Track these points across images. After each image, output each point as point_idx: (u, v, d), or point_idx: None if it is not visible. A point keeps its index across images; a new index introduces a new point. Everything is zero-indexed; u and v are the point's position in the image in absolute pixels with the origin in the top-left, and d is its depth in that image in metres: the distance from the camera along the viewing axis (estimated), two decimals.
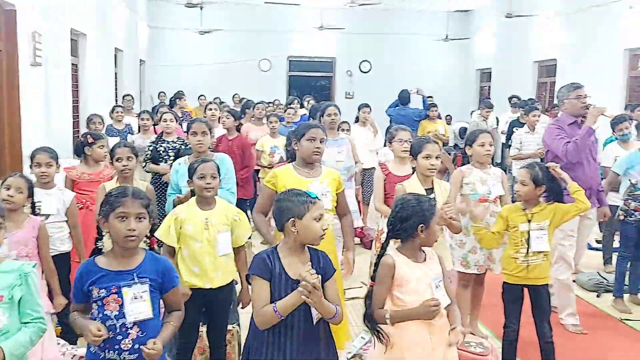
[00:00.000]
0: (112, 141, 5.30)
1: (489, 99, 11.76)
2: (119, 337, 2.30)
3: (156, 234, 3.30)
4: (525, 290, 3.69)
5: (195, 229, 3.23)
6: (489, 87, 16.02)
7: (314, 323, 2.49)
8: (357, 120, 8.06)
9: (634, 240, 4.98)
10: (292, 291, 2.39)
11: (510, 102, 11.15)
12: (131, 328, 2.31)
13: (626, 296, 5.14)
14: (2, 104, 6.00)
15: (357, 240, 6.95)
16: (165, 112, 6.30)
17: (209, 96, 12.78)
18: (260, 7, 15.77)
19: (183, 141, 5.71)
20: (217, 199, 3.39)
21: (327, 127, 5.48)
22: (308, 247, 2.56)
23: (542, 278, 3.64)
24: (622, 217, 4.98)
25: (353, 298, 5.05)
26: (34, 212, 3.50)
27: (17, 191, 3.33)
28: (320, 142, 3.47)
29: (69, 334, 3.94)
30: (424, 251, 2.72)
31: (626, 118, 5.90)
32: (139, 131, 7.22)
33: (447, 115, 13.16)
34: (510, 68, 14.54)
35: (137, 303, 2.31)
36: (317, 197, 2.56)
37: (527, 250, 3.57)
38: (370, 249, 6.18)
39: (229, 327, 3.69)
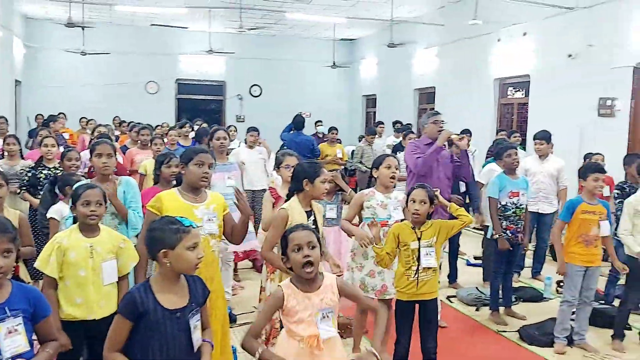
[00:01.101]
0: None
1: (382, 124, 12.17)
2: None
3: (35, 264, 3.12)
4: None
5: (79, 257, 3.09)
6: (374, 112, 16.69)
7: (195, 350, 2.47)
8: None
9: (506, 256, 5.37)
10: (170, 322, 2.37)
11: (394, 127, 11.69)
12: None
13: (502, 309, 5.51)
14: None
15: (249, 264, 6.93)
16: (46, 137, 5.92)
17: (94, 119, 12.27)
18: (146, 30, 15.45)
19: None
20: (101, 226, 3.26)
21: (216, 152, 5.45)
22: (186, 275, 2.53)
23: (431, 293, 3.80)
24: (496, 236, 5.34)
25: (245, 323, 5.01)
26: None
27: None
28: (209, 168, 3.38)
29: None
30: (318, 279, 2.68)
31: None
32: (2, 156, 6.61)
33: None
34: (393, 95, 15.27)
35: (13, 337, 2.19)
36: (191, 225, 2.49)
37: (418, 267, 3.71)
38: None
39: None
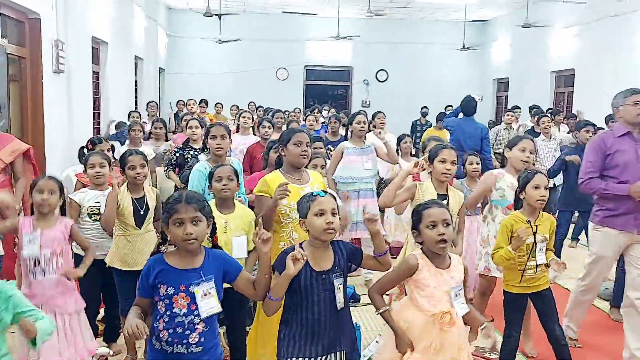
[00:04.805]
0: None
1: (519, 108, 11.59)
2: (187, 332, 2.44)
3: None
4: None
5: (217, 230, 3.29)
6: (506, 96, 15.99)
7: (338, 310, 2.60)
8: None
9: None
10: (317, 283, 2.55)
11: (530, 111, 11.12)
12: (198, 324, 2.45)
13: None
14: (26, 111, 6.15)
15: None
16: (190, 119, 6.37)
17: (226, 104, 12.92)
18: (277, 17, 15.92)
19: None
20: (236, 203, 3.46)
21: (356, 136, 5.57)
22: (333, 243, 2.67)
23: (545, 284, 3.59)
24: None
25: (369, 304, 5.06)
26: (62, 213, 3.53)
27: (50, 193, 3.38)
28: (307, 146, 3.49)
29: (111, 332, 4.14)
30: (449, 257, 2.76)
31: None
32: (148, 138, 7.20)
33: None
34: (527, 78, 14.52)
35: (208, 299, 2.46)
36: (318, 194, 2.64)
37: (536, 262, 3.48)
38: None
39: (248, 328, 3.72)
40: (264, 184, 3.44)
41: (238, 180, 3.51)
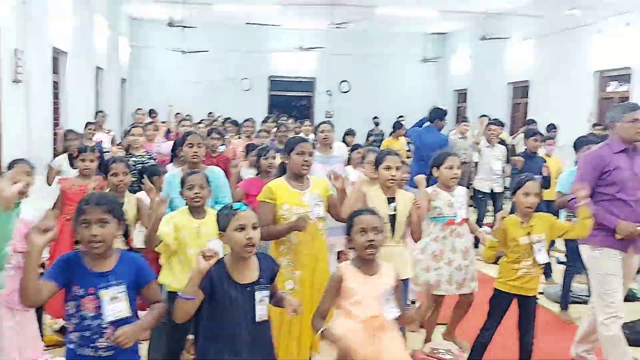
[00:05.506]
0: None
1: (467, 120, 11.91)
2: (95, 337, 2.38)
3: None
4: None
5: (190, 236, 3.36)
6: (465, 107, 16.36)
7: (258, 323, 2.55)
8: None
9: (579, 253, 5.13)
10: (242, 296, 2.51)
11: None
12: (106, 328, 2.38)
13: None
14: None
15: None
16: (133, 127, 6.32)
17: (190, 115, 12.89)
18: (241, 28, 16.00)
19: (151, 155, 5.78)
20: (208, 210, 3.50)
21: (320, 144, 5.63)
22: (257, 253, 2.63)
23: (534, 289, 3.70)
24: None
25: None
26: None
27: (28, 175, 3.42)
28: (310, 156, 3.59)
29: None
30: (377, 264, 2.78)
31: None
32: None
33: None
34: (485, 89, 14.90)
35: (116, 303, 2.39)
36: (239, 208, 2.58)
37: (533, 262, 3.57)
38: None
39: None
40: (269, 192, 3.54)
41: (209, 188, 3.55)
